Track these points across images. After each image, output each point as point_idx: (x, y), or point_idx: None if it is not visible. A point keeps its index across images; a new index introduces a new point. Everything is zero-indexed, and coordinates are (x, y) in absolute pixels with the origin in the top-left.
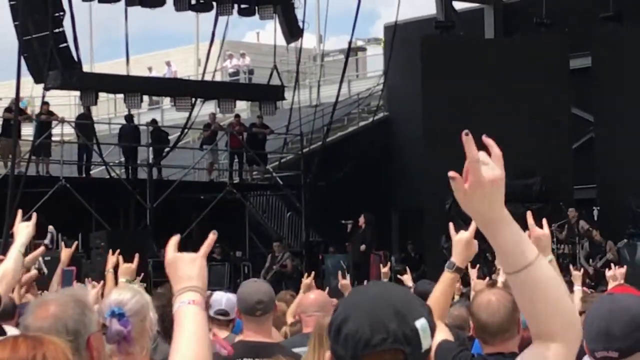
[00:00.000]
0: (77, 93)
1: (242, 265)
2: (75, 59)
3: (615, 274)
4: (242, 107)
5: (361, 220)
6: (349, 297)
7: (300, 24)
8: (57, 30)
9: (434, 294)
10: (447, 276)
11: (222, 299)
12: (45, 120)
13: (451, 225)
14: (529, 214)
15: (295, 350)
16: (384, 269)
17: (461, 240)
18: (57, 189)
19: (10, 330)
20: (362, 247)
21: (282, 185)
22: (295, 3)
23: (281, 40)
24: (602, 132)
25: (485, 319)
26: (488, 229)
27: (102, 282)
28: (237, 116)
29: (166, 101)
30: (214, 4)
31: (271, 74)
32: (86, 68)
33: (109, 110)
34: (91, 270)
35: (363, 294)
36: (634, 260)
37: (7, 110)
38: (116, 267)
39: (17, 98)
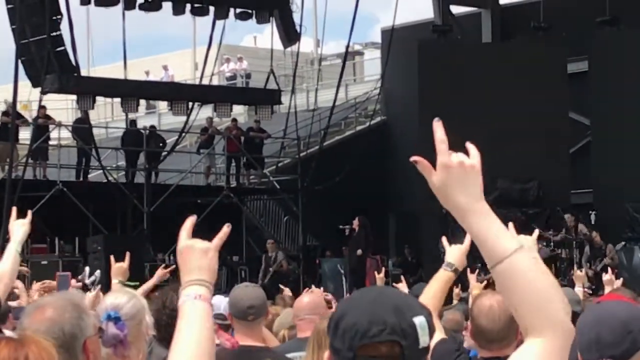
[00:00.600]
0: (74, 97)
1: (239, 269)
2: (73, 62)
3: (612, 279)
4: (239, 111)
5: (355, 222)
6: (348, 297)
7: (298, 28)
8: (54, 34)
9: (429, 290)
10: (445, 274)
11: (221, 303)
12: (43, 124)
13: (444, 238)
14: (510, 225)
15: (290, 355)
16: (379, 275)
17: (457, 249)
18: (54, 193)
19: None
20: (359, 251)
21: (279, 190)
22: (292, 7)
23: (278, 45)
24: (599, 136)
25: (485, 324)
26: (464, 221)
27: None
28: (234, 120)
29: (163, 105)
30: (211, 8)
31: (267, 78)
32: (84, 72)
33: (106, 114)
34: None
35: (363, 293)
36: (631, 265)
37: (4, 114)
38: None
39: (15, 102)
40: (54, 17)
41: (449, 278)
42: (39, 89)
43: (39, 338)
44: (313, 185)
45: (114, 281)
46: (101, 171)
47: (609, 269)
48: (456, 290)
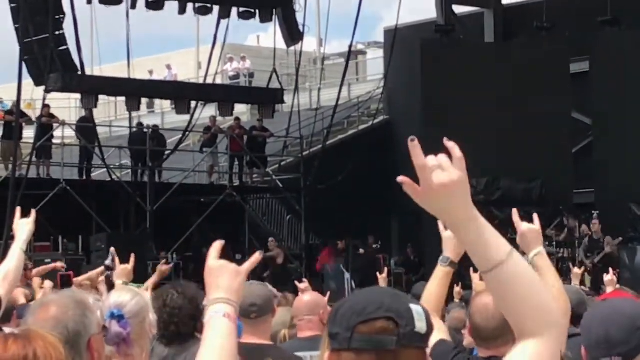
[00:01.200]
0: (78, 96)
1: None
2: (77, 61)
3: (614, 279)
4: (242, 110)
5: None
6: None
7: (301, 27)
8: (57, 33)
9: (429, 289)
10: (441, 270)
11: None
12: (46, 122)
13: (440, 222)
14: (514, 211)
15: (300, 354)
16: (382, 276)
17: (451, 237)
18: (57, 192)
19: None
20: (361, 250)
21: (282, 189)
22: (295, 6)
23: (281, 44)
24: (601, 135)
25: (480, 322)
26: (454, 229)
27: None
28: (237, 119)
29: (166, 104)
30: (215, 7)
31: (270, 77)
32: (88, 71)
33: (110, 113)
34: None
35: (362, 289)
36: (634, 264)
37: (8, 113)
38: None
39: (19, 101)
40: (57, 16)
41: (446, 273)
42: (42, 88)
43: (46, 334)
44: (316, 184)
45: (118, 282)
46: (105, 170)
47: (610, 269)
48: (457, 289)
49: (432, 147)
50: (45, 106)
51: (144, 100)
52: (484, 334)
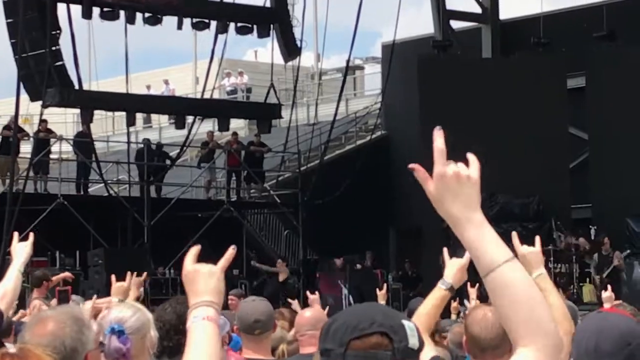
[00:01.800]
0: (74, 111)
1: (240, 283)
2: (75, 76)
3: (612, 296)
4: (240, 125)
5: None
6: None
7: (298, 42)
8: (54, 49)
9: (424, 307)
10: (440, 293)
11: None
12: (44, 137)
13: (445, 250)
14: (514, 235)
15: None
16: (381, 292)
17: (455, 265)
18: (55, 207)
19: (10, 349)
20: (358, 266)
21: (279, 204)
22: (293, 21)
23: (279, 59)
24: (598, 151)
25: (478, 332)
26: (457, 229)
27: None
28: (235, 134)
29: (164, 119)
30: (212, 22)
31: (268, 92)
32: (85, 85)
33: (107, 128)
34: (88, 287)
35: (353, 306)
36: (631, 279)
37: (6, 128)
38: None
39: (17, 116)
40: (53, 32)
41: (444, 296)
42: (39, 103)
43: (40, 352)
44: (313, 200)
45: (114, 299)
46: (102, 185)
47: (609, 286)
48: (454, 304)
49: (430, 161)
50: (43, 121)
51: (141, 115)
52: (482, 344)
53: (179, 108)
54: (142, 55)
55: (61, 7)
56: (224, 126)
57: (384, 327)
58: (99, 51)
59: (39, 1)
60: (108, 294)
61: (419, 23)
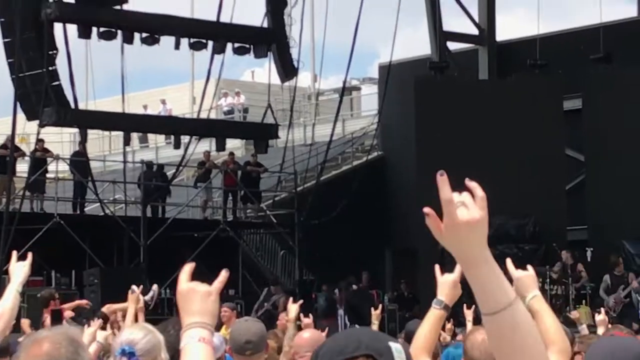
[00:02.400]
0: (71, 130)
1: (236, 303)
2: (71, 96)
3: (605, 319)
4: (237, 145)
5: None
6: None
7: (295, 63)
8: (50, 69)
9: (422, 331)
10: (435, 313)
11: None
12: (40, 157)
13: (437, 267)
14: (508, 261)
15: None
16: (376, 312)
17: (447, 282)
18: (51, 226)
19: None
20: (354, 286)
21: (275, 224)
22: (290, 42)
23: (276, 79)
24: (594, 172)
25: (478, 356)
26: (464, 267)
27: (99, 321)
28: (232, 154)
29: (160, 139)
30: (209, 42)
31: (265, 113)
32: (82, 105)
33: (104, 147)
34: (83, 307)
35: (342, 331)
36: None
37: (2, 147)
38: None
39: (13, 135)
40: (50, 52)
41: (439, 316)
42: (36, 122)
43: None
44: (309, 220)
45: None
46: (98, 204)
47: (602, 309)
48: (448, 326)
49: (426, 182)
50: (40, 140)
51: (137, 135)
52: None
53: (175, 128)
54: (139, 75)
55: (58, 27)
56: (220, 146)
57: (370, 350)
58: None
59: (36, 21)
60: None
61: (417, 44)
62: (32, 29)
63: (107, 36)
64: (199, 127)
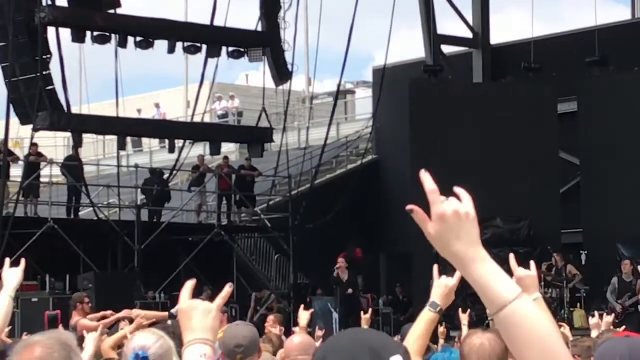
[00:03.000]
0: (65, 134)
1: (230, 307)
2: (64, 100)
3: (599, 323)
4: (231, 149)
5: (341, 263)
6: (327, 341)
7: (290, 66)
8: (45, 73)
9: (415, 333)
10: (429, 316)
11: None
12: (34, 161)
13: (436, 267)
14: (511, 256)
15: None
16: (365, 316)
17: (444, 286)
18: (45, 231)
19: None
20: (350, 290)
21: (270, 228)
22: (284, 46)
23: (270, 83)
24: (589, 176)
25: None
26: (462, 268)
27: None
28: (226, 158)
29: (155, 143)
30: (204, 46)
31: (260, 116)
32: (76, 109)
33: (98, 151)
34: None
35: (341, 337)
36: None
37: None
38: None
39: (7, 139)
40: (44, 57)
41: (433, 319)
42: (30, 127)
43: None
44: (304, 224)
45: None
46: (92, 209)
47: (596, 312)
48: (441, 329)
49: (421, 187)
50: (33, 145)
51: (131, 139)
52: None
53: (170, 132)
54: (133, 79)
55: (52, 31)
56: (215, 150)
57: None
58: (89, 75)
59: (30, 26)
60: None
61: (411, 47)
62: (26, 33)
63: (101, 40)
64: (193, 131)
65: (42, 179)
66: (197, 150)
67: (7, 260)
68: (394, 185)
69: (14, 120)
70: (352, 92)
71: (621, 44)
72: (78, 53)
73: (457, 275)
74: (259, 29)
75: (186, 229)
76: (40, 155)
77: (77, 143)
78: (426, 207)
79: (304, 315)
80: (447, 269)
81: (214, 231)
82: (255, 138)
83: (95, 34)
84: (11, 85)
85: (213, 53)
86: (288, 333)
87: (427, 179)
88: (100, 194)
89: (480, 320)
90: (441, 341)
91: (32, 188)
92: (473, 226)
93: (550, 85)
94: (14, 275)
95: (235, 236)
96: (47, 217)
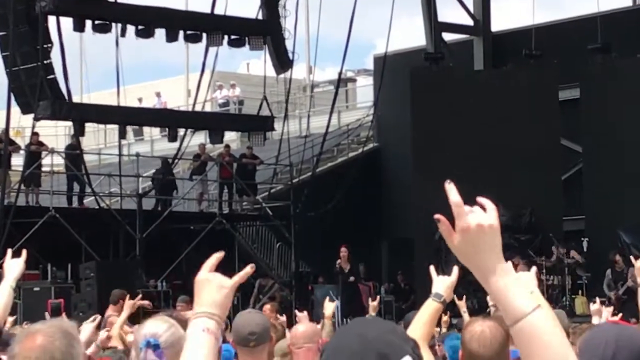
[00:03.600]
0: (66, 123)
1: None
2: (64, 89)
3: (601, 309)
4: (232, 138)
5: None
6: (333, 342)
7: (290, 55)
8: (45, 62)
9: (419, 319)
10: (433, 306)
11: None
12: (35, 150)
13: (432, 268)
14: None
15: None
16: (373, 304)
17: (444, 282)
18: (46, 220)
19: None
20: (352, 278)
21: (271, 216)
22: (285, 34)
23: (271, 71)
24: (590, 163)
25: (476, 349)
26: (485, 281)
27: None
28: (227, 147)
29: (155, 131)
30: (204, 35)
31: (260, 105)
32: (77, 98)
33: (99, 140)
34: (80, 301)
35: (346, 337)
36: None
37: None
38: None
39: (7, 128)
40: (45, 46)
41: (437, 309)
42: (31, 116)
43: None
44: (305, 212)
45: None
46: (93, 197)
47: (597, 298)
48: (444, 318)
49: (422, 174)
50: (34, 134)
51: (132, 128)
52: None
53: (171, 121)
54: (134, 67)
55: (52, 20)
56: (216, 139)
57: None
58: (90, 64)
59: (30, 15)
60: (100, 307)
61: (412, 35)
62: (26, 22)
63: (102, 29)
64: (194, 120)
65: (43, 168)
66: (198, 139)
67: (9, 251)
68: (395, 173)
69: (15, 109)
70: (353, 80)
71: (623, 30)
72: (78, 42)
73: (455, 271)
74: (260, 17)
75: (187, 217)
76: (41, 144)
77: (79, 132)
78: (429, 199)
79: (329, 306)
80: (448, 261)
81: (216, 219)
82: (256, 126)
83: (96, 22)
84: (12, 74)
85: (214, 41)
86: (289, 321)
87: (452, 191)
88: (102, 183)
89: (482, 308)
90: (444, 329)
91: (33, 177)
92: (495, 237)
93: (551, 72)
94: (15, 265)
95: (237, 224)
96: (49, 206)
